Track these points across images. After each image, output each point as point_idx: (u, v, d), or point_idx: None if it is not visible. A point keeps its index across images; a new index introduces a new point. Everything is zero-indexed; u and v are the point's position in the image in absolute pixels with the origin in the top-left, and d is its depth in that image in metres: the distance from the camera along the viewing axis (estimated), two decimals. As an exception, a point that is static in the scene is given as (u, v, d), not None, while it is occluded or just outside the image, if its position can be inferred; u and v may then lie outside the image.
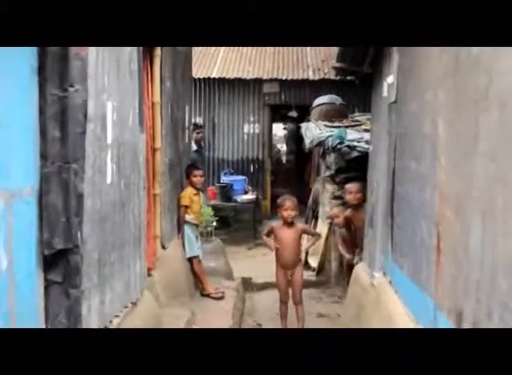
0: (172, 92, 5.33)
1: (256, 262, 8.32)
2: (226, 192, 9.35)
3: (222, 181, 9.85)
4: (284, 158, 16.81)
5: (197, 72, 10.27)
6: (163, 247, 5.17)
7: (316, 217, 7.65)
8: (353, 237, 5.62)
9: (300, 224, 5.61)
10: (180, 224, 5.64)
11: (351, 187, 5.40)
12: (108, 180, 3.08)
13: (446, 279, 2.37)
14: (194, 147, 8.19)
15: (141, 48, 3.76)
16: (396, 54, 3.61)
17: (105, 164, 3.00)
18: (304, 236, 5.50)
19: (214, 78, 10.32)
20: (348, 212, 5.48)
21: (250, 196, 9.65)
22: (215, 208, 9.01)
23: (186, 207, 5.58)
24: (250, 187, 9.97)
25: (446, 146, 2.41)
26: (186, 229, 5.63)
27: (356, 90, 9.72)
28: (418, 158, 2.86)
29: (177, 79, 5.58)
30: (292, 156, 15.85)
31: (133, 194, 3.62)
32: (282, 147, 17.83)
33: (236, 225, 9.37)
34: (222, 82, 10.45)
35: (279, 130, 17.82)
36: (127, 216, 3.51)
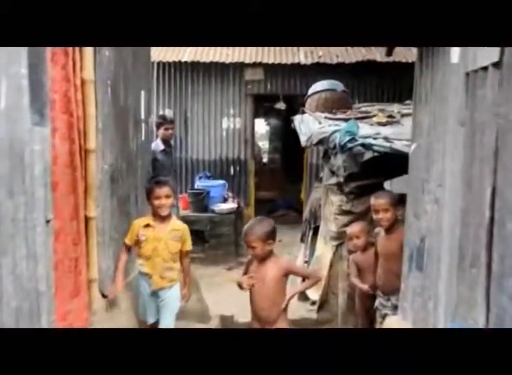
0: (115, 67, 3.64)
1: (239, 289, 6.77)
2: (201, 201, 7.76)
3: (196, 187, 8.25)
4: (266, 158, 15.17)
5: (166, 54, 8.60)
6: (103, 295, 3.50)
7: (315, 233, 6.03)
8: (374, 266, 4.02)
9: (284, 259, 3.74)
10: (116, 272, 3.60)
11: (384, 201, 3.75)
12: None
13: None
14: (161, 146, 6.58)
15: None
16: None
17: None
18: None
19: (186, 62, 8.64)
20: (381, 236, 3.88)
21: (231, 205, 8.08)
22: (187, 220, 7.45)
23: (128, 247, 3.62)
24: (230, 194, 8.41)
25: None
26: (138, 281, 3.69)
27: (357, 76, 8.49)
28: None
29: (124, 49, 3.88)
30: (276, 155, 14.23)
31: (13, 234, 1.93)
32: (264, 145, 16.21)
33: (213, 240, 7.79)
34: (195, 67, 8.78)
35: (260, 126, 16.28)
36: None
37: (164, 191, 3.53)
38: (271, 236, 3.34)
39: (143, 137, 4.55)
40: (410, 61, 7.97)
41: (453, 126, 2.48)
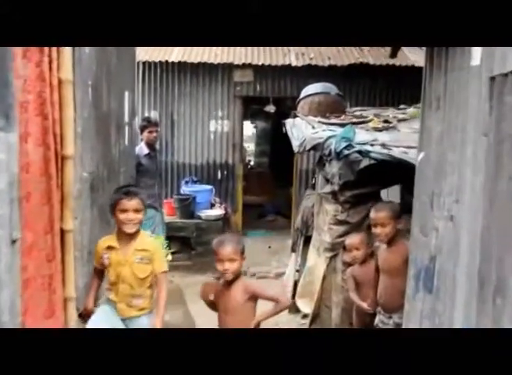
0: (96, 66, 3.34)
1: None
2: (188, 206, 7.48)
3: (182, 192, 7.97)
4: (252, 161, 14.90)
5: (152, 54, 8.28)
6: (80, 315, 3.19)
7: (306, 243, 5.75)
8: (375, 281, 3.81)
9: (251, 281, 3.44)
10: (86, 299, 3.21)
11: (383, 214, 3.53)
12: None
13: None
14: (146, 150, 6.35)
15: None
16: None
17: None
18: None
19: (173, 62, 8.30)
20: (382, 248, 3.68)
21: (218, 211, 7.82)
22: (173, 227, 7.20)
23: (99, 270, 3.22)
24: (217, 199, 8.15)
25: None
26: (102, 307, 3.20)
27: (349, 79, 8.25)
28: None
29: (107, 47, 3.59)
30: (264, 159, 13.95)
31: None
32: (249, 147, 15.95)
33: (200, 248, 7.47)
34: (183, 67, 8.44)
35: (246, 128, 16.02)
36: None
37: (133, 203, 3.01)
38: (244, 251, 3.16)
39: (126, 142, 4.25)
40: (403, 64, 7.80)
41: (473, 135, 2.22)
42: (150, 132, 6.40)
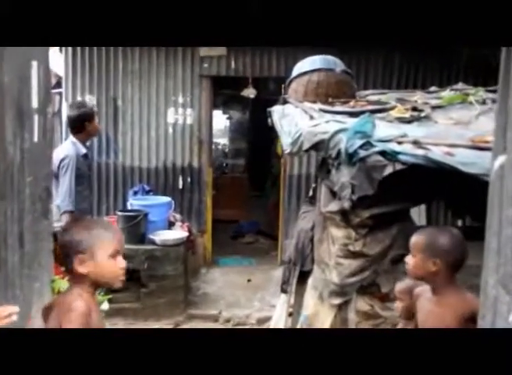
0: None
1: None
2: (136, 226, 6.93)
3: (129, 207, 7.49)
4: (226, 163, 14.37)
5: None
6: None
7: (302, 280, 5.25)
8: None
9: None
10: None
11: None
12: None
13: None
14: (82, 149, 5.90)
15: None
16: None
17: None
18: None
19: (116, 30, 7.80)
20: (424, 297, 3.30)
21: (179, 232, 7.31)
22: None
23: None
24: (177, 216, 7.70)
25: None
26: None
27: (356, 52, 7.89)
28: None
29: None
30: (240, 160, 13.50)
31: None
32: (223, 144, 15.38)
33: (152, 284, 6.99)
34: (129, 37, 7.95)
35: (217, 120, 15.52)
36: None
37: None
38: None
39: (35, 137, 3.61)
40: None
41: None
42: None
